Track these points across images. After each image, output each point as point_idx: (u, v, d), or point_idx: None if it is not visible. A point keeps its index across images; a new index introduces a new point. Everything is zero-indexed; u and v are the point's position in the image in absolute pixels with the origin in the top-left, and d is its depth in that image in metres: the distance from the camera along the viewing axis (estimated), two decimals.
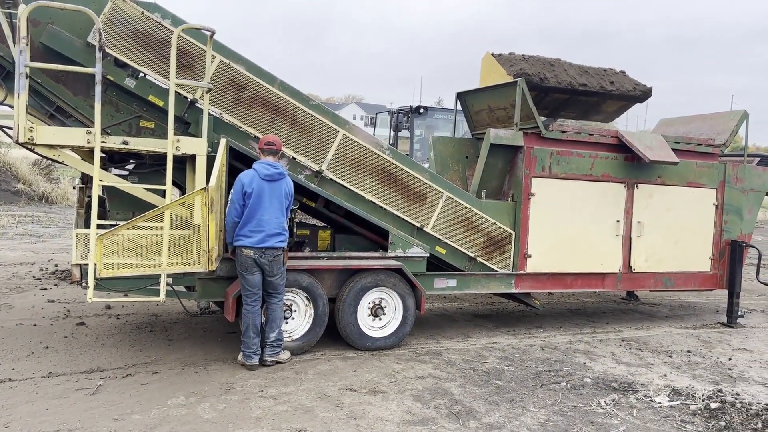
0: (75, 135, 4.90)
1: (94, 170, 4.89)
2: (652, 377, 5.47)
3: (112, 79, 5.37)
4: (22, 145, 4.83)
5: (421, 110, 11.91)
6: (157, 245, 4.84)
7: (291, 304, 5.69)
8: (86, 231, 5.18)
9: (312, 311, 5.71)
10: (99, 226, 4.76)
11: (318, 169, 5.94)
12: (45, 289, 7.72)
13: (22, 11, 4.60)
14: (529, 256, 6.78)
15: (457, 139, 7.95)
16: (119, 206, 5.68)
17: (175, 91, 5.44)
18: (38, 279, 8.28)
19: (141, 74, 5.45)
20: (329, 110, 6.09)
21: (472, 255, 6.59)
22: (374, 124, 14.07)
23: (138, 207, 5.63)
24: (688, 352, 6.43)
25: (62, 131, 4.92)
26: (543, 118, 7.91)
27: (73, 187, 7.25)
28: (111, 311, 6.83)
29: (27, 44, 4.62)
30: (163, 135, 5.51)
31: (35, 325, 6.10)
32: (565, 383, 5.16)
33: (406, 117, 12.12)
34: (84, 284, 5.27)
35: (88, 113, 5.37)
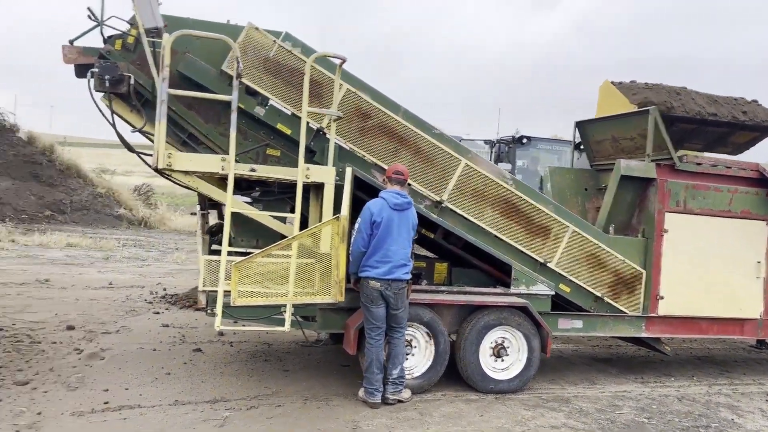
0: (210, 162, 4.92)
1: (227, 197, 4.88)
2: None
3: (242, 107, 5.40)
4: (160, 170, 4.89)
5: (524, 140, 11.56)
6: (283, 274, 4.75)
7: (411, 340, 5.46)
8: (215, 258, 5.16)
9: (433, 348, 5.45)
10: (216, 253, 4.73)
11: (438, 199, 5.73)
12: (158, 313, 7.85)
13: (167, 40, 4.69)
14: (661, 298, 6.27)
15: (575, 170, 7.58)
16: (244, 233, 5.66)
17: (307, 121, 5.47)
18: (150, 303, 8.45)
19: (269, 102, 5.46)
20: (452, 139, 5.91)
21: (599, 294, 6.16)
22: None
23: (262, 235, 5.60)
24: None
25: (198, 158, 4.95)
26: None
27: (192, 213, 7.37)
28: (224, 338, 6.83)
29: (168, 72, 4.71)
30: (289, 163, 5.50)
31: (154, 350, 6.15)
32: None
33: (508, 147, 11.80)
34: (210, 311, 5.26)
35: (218, 140, 5.42)
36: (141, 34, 4.82)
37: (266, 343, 6.73)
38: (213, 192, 5.16)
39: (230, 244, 5.72)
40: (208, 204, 7.04)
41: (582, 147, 8.02)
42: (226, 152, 5.38)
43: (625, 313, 6.24)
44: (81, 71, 5.76)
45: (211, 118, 5.45)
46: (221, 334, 6.98)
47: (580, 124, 7.55)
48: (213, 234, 6.21)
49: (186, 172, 4.96)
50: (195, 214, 7.33)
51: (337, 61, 5.24)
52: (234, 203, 5.08)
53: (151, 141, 5.41)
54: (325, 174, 5.15)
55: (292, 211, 5.60)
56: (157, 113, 4.76)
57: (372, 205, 5.06)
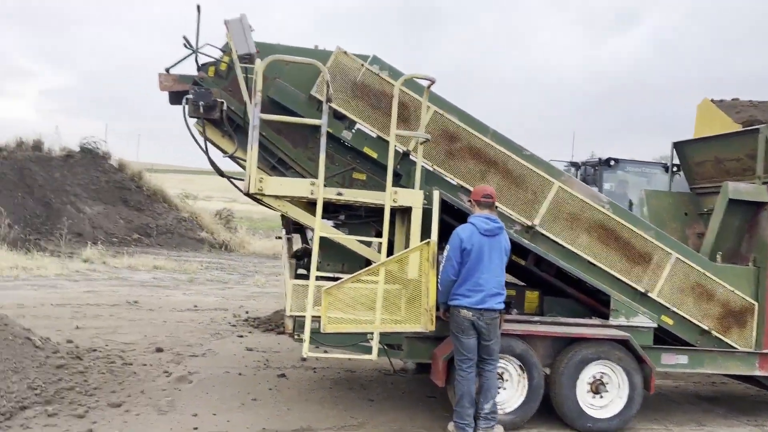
0: (299, 186, 4.89)
1: (316, 221, 4.83)
2: None
3: (331, 131, 5.38)
4: (251, 195, 4.90)
5: (612, 162, 11.09)
6: (370, 301, 4.62)
7: (503, 373, 5.19)
8: (302, 282, 5.11)
9: (526, 382, 5.15)
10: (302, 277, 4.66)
11: (530, 223, 5.48)
12: (242, 336, 7.90)
13: (259, 66, 4.73)
14: None
15: (673, 193, 7.14)
16: (330, 258, 5.58)
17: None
18: (234, 326, 8.54)
19: (356, 126, 5.40)
20: (543, 160, 5.66)
21: (706, 327, 5.69)
22: None
23: (348, 259, 5.51)
24: None
25: (288, 182, 4.94)
26: None
27: (277, 237, 7.40)
28: (307, 364, 6.76)
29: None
30: (374, 187, 5.41)
31: (240, 374, 6.15)
32: None
33: (594, 170, 11.35)
34: (296, 337, 5.19)
35: (306, 165, 5.41)
36: (234, 61, 4.88)
37: (349, 370, 6.61)
38: (302, 216, 5.13)
39: (317, 269, 5.69)
40: (292, 228, 7.08)
41: (677, 169, 7.58)
42: (314, 176, 5.38)
43: (735, 348, 5.74)
44: (175, 98, 5.92)
45: (300, 143, 5.45)
46: (304, 359, 6.90)
47: (678, 145, 7.11)
48: (298, 258, 6.17)
49: (276, 197, 4.95)
50: (280, 238, 7.37)
51: (425, 83, 5.14)
52: (322, 227, 5.02)
53: (241, 166, 5.47)
54: (412, 198, 5.02)
55: (378, 235, 5.52)
56: (249, 138, 4.79)
57: (461, 231, 4.86)
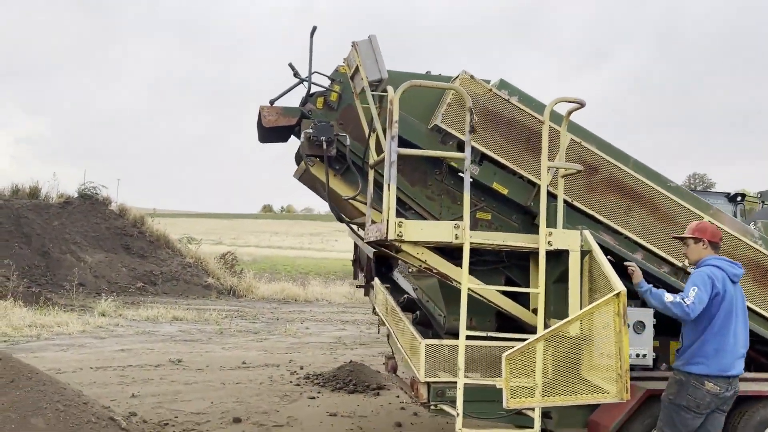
0: (442, 230, 4.19)
1: (463, 272, 4.12)
2: None
3: (454, 165, 4.76)
4: (388, 243, 4.20)
5: None
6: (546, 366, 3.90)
7: None
8: (437, 342, 4.39)
9: None
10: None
11: (681, 264, 4.86)
12: (313, 398, 7.07)
13: (395, 93, 4.09)
14: None
15: None
16: (455, 311, 4.89)
17: (524, 177, 4.76)
18: (297, 385, 7.71)
19: (482, 161, 4.76)
20: (689, 192, 5.10)
21: None
22: None
23: (476, 312, 4.83)
24: None
25: (429, 226, 4.24)
26: None
27: (358, 286, 6.67)
28: (402, 429, 5.97)
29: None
30: (500, 227, 4.77)
31: None
32: None
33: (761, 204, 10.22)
34: (434, 407, 4.43)
35: (426, 204, 4.76)
36: (365, 87, 4.23)
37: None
38: (441, 265, 4.40)
39: (443, 325, 4.98)
40: (373, 273, 6.37)
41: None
42: (435, 216, 4.75)
43: None
44: (268, 135, 5.27)
45: (418, 180, 4.80)
46: (399, 425, 6.13)
47: None
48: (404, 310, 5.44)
49: (415, 243, 4.25)
50: (361, 286, 6.65)
51: (565, 109, 4.53)
52: (472, 280, 4.30)
53: (359, 209, 4.82)
54: (568, 239, 4.36)
55: (508, 282, 4.87)
56: (385, 176, 4.12)
57: (711, 273, 3.95)
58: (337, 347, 10.97)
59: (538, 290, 4.22)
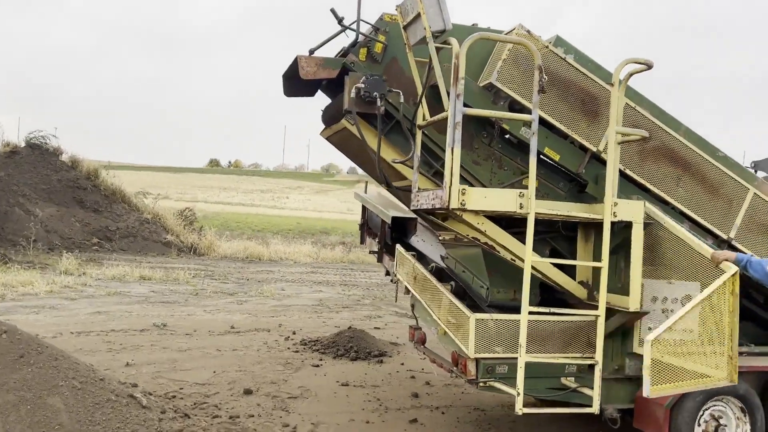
0: (507, 199, 3.87)
1: (527, 247, 3.85)
2: None
3: (507, 128, 4.43)
4: (445, 211, 3.86)
5: None
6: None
7: (720, 417, 4.40)
8: (487, 316, 4.14)
9: (748, 427, 4.39)
10: None
11: (726, 237, 4.74)
12: (317, 366, 6.78)
13: (461, 47, 3.71)
14: None
15: None
16: (499, 283, 4.65)
17: (575, 142, 4.49)
18: (296, 352, 7.39)
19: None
20: (737, 162, 4.92)
21: None
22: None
23: (520, 283, 4.59)
24: None
25: (493, 194, 3.92)
26: None
27: (371, 252, 6.33)
28: (418, 401, 5.78)
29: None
30: (547, 195, 4.51)
31: (367, 422, 5.11)
32: None
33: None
34: (483, 384, 4.19)
35: (473, 170, 4.44)
36: (429, 39, 3.82)
37: (478, 408, 5.66)
38: (500, 236, 4.10)
39: (485, 298, 4.72)
40: (389, 238, 6.06)
41: None
42: (483, 183, 4.45)
43: None
44: (296, 88, 4.81)
45: (465, 143, 4.45)
46: (416, 395, 5.92)
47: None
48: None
49: (477, 212, 3.93)
50: (374, 252, 6.33)
51: (624, 72, 4.24)
52: (535, 255, 4.01)
53: (404, 174, 4.46)
54: (633, 211, 4.13)
55: (552, 254, 4.64)
56: (448, 138, 3.77)
57: None
58: (321, 310, 10.67)
59: (601, 264, 3.99)
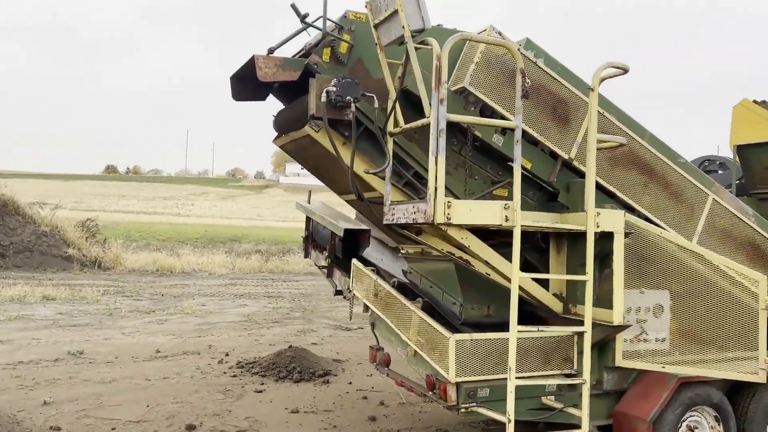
0: (491, 211, 3.60)
1: (513, 262, 3.59)
2: None
3: (479, 135, 4.17)
4: (433, 226, 3.53)
5: None
6: None
7: (695, 428, 4.35)
8: (468, 337, 3.86)
9: None
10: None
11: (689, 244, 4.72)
12: (259, 392, 6.28)
13: (441, 48, 3.41)
14: None
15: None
16: (472, 299, 4.39)
17: (545, 150, 4.32)
18: (234, 376, 6.83)
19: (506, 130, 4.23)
20: (695, 167, 4.95)
21: None
22: None
23: (494, 299, 4.37)
24: None
25: (477, 207, 3.63)
26: None
27: (321, 267, 5.91)
28: (376, 425, 5.44)
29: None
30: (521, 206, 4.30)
31: None
32: None
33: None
34: (465, 410, 3.91)
35: (447, 181, 4.11)
36: (407, 39, 3.48)
37: (439, 429, 5.39)
38: (484, 251, 3.82)
39: (458, 315, 4.43)
40: (337, 253, 5.71)
41: None
42: (455, 195, 4.17)
43: None
44: (246, 92, 4.34)
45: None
46: (373, 419, 5.57)
47: (741, 148, 6.75)
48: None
49: (461, 227, 3.63)
50: (324, 267, 5.90)
51: (617, 73, 4.08)
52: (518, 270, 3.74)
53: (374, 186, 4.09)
54: (614, 221, 3.99)
55: (525, 266, 4.42)
56: (431, 146, 3.45)
57: None
58: (250, 327, 10.06)
59: (586, 277, 3.81)
